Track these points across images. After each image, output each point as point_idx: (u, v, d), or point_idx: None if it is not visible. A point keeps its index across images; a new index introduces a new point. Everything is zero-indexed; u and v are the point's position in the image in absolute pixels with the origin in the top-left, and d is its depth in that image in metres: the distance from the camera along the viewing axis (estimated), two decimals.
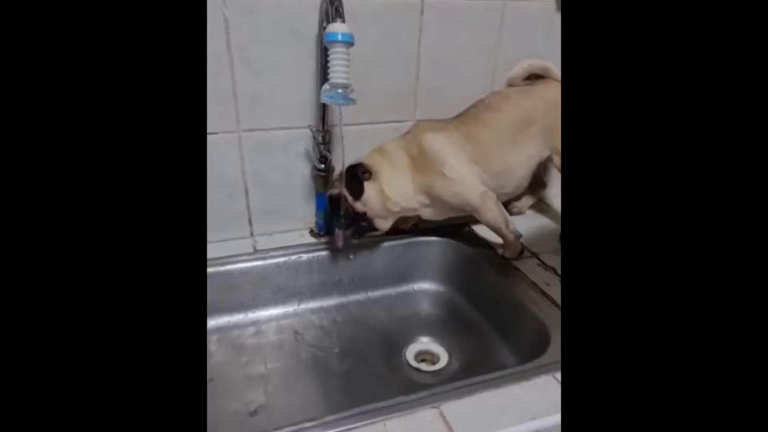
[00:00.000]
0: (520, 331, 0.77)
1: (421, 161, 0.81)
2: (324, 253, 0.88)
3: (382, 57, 0.85)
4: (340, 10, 0.63)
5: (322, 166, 0.84)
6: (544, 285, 0.79)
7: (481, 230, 0.96)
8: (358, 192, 0.79)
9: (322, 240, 0.91)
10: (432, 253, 0.94)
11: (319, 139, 0.83)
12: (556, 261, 0.86)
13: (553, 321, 0.71)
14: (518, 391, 0.58)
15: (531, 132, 0.85)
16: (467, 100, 0.91)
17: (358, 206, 0.80)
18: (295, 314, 0.88)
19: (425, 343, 0.84)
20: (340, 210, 0.80)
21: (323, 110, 0.82)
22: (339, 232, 0.81)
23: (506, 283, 0.82)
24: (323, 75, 0.79)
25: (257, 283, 0.86)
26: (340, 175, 0.82)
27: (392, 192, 0.81)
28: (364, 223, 0.82)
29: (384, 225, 0.84)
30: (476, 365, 0.78)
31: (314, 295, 0.90)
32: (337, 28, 0.62)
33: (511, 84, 0.90)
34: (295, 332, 0.85)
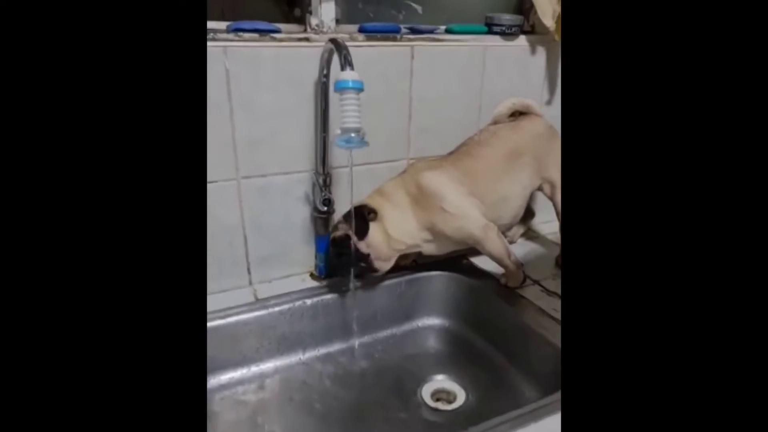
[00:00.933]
0: (534, 359, 0.77)
1: (422, 199, 0.82)
2: (328, 296, 0.86)
3: (377, 100, 0.86)
4: (349, 58, 0.64)
5: (325, 208, 0.83)
6: (552, 311, 0.80)
7: (480, 261, 0.97)
8: (362, 232, 0.79)
9: (324, 283, 0.89)
10: (434, 288, 0.94)
11: (321, 182, 0.82)
12: (557, 286, 0.88)
13: None
14: (557, 422, 0.58)
15: (521, 163, 0.88)
16: (456, 137, 0.94)
17: (362, 246, 0.79)
18: (301, 363, 0.84)
19: (440, 381, 0.82)
20: (347, 249, 0.79)
21: (323, 153, 0.82)
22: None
23: (513, 312, 0.82)
24: (323, 119, 0.79)
25: (260, 334, 0.82)
26: (344, 217, 0.82)
27: (396, 231, 0.81)
28: (362, 264, 0.81)
29: (384, 267, 0.83)
30: (495, 400, 0.77)
31: (319, 341, 0.86)
32: (347, 75, 0.63)
33: (496, 121, 0.94)
34: (304, 383, 0.81)
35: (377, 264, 0.81)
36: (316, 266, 0.91)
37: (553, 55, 1.01)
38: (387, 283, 0.90)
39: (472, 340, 0.88)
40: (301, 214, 0.87)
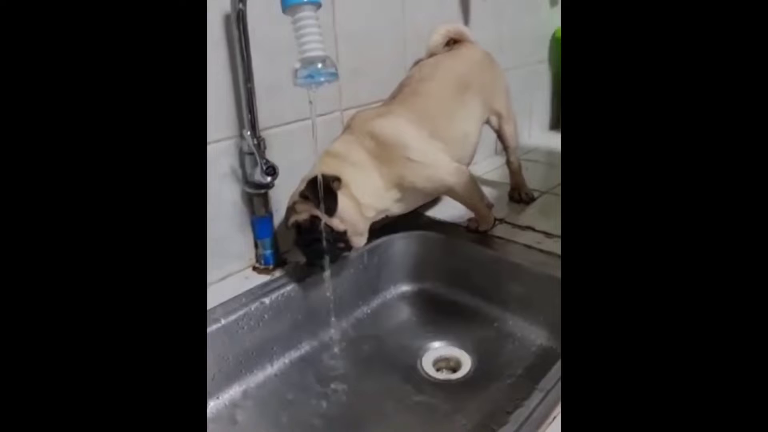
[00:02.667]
0: (532, 298, 0.74)
1: (381, 152, 0.71)
2: (287, 288, 0.72)
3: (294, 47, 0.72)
4: None
5: (269, 179, 0.67)
6: (536, 243, 0.78)
7: (435, 212, 0.91)
8: (332, 207, 0.66)
9: (277, 274, 0.74)
10: (398, 252, 0.85)
11: (255, 147, 0.66)
12: (526, 220, 0.86)
13: None
14: None
15: (470, 94, 0.83)
16: (389, 79, 0.85)
17: (336, 224, 0.66)
18: (274, 377, 0.70)
19: (437, 348, 0.75)
20: (318, 234, 0.66)
21: (252, 110, 0.66)
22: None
23: (497, 255, 0.78)
24: (245, 64, 0.64)
25: (215, 356, 0.65)
26: (300, 195, 0.68)
27: (364, 197, 0.70)
28: (341, 245, 0.68)
29: (362, 241, 0.71)
30: (504, 355, 0.72)
31: (288, 345, 0.72)
32: None
33: (432, 53, 0.86)
34: (285, 399, 0.67)
35: (355, 240, 0.69)
36: (260, 256, 0.75)
37: None
38: (348, 258, 0.79)
39: (455, 297, 0.83)
40: (230, 194, 0.71)
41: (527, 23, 1.22)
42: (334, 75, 0.51)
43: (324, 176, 0.65)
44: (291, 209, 0.68)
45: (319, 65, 0.49)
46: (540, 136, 1.37)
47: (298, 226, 0.67)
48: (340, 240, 0.68)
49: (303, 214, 0.66)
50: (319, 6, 0.50)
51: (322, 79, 0.50)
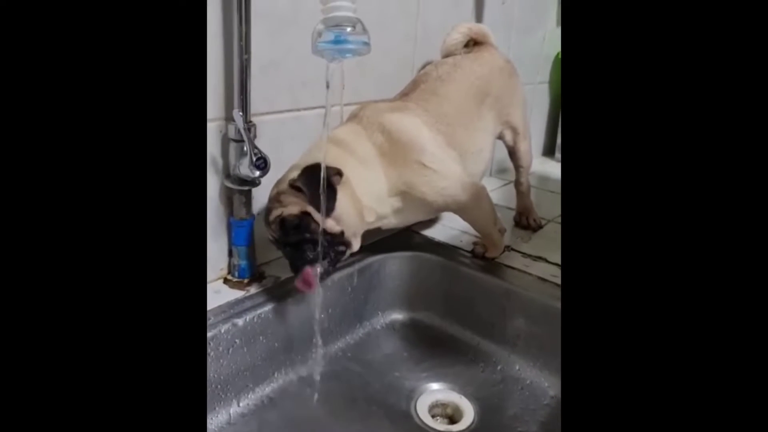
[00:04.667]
0: (546, 341, 0.67)
1: (392, 151, 0.64)
2: (266, 308, 0.62)
3: (300, 20, 0.64)
4: None
5: (257, 173, 0.58)
6: (551, 276, 0.72)
7: (433, 233, 0.84)
8: (331, 205, 0.57)
9: (252, 290, 0.64)
10: (390, 274, 0.77)
11: (246, 133, 0.57)
12: (534, 249, 0.80)
13: None
14: None
15: (488, 105, 0.77)
16: (393, 75, 0.79)
17: (331, 225, 0.58)
18: (241, 416, 0.59)
19: (434, 392, 0.67)
20: (309, 234, 0.57)
21: (245, 89, 0.56)
22: (310, 269, 0.57)
23: (505, 287, 0.71)
24: (244, 31, 0.54)
25: None
26: (290, 184, 0.58)
27: (365, 196, 0.62)
28: (341, 248, 0.60)
29: (357, 244, 0.63)
30: (513, 406, 0.64)
31: (261, 376, 0.62)
32: None
33: (449, 53, 0.80)
34: None
35: (354, 243, 0.61)
36: (234, 267, 0.65)
37: None
38: (335, 276, 0.70)
39: (453, 331, 0.75)
40: (207, 189, 0.61)
41: (534, 40, 1.19)
42: (366, 45, 0.43)
43: (329, 168, 0.56)
44: (275, 200, 0.59)
45: (349, 29, 0.41)
46: (534, 162, 1.33)
47: (282, 221, 0.57)
48: (337, 243, 0.59)
49: (291, 208, 0.57)
50: None
51: (351, 46, 0.41)
